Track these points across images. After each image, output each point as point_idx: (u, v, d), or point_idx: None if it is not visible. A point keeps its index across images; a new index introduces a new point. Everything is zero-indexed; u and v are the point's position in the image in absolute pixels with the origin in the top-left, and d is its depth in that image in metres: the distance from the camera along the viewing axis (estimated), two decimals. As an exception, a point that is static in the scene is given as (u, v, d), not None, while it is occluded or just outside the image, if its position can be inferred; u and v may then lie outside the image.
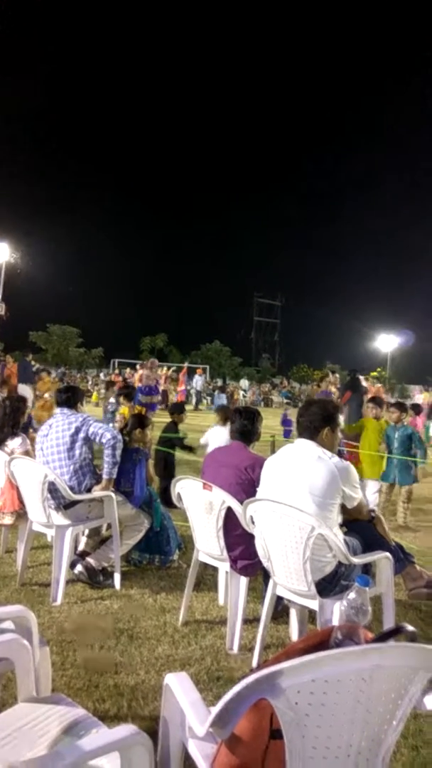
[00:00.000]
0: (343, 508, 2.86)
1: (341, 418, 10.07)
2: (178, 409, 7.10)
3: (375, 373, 42.84)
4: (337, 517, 2.79)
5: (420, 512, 6.68)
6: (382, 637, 1.46)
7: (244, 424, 3.46)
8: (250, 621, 3.37)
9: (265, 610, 2.96)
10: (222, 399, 13.58)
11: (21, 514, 4.07)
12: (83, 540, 4.30)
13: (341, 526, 2.87)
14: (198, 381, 22.27)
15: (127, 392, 8.39)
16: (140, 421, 4.47)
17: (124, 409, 8.21)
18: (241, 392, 31.02)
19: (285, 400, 32.34)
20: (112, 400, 9.30)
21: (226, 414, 6.67)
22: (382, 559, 2.96)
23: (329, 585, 2.70)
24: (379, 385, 16.15)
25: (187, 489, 3.31)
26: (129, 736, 1.40)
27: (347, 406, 9.76)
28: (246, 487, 3.22)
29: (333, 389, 10.74)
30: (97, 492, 3.94)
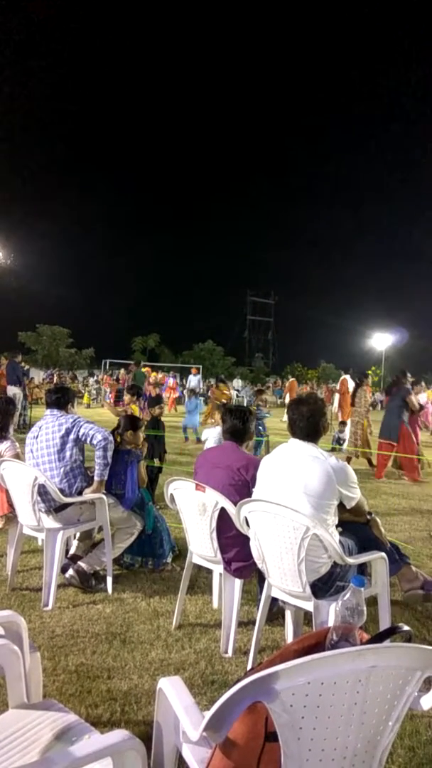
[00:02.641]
0: (343, 508, 2.84)
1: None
2: (153, 403, 6.94)
3: (369, 372, 42.99)
4: (333, 518, 2.77)
5: (416, 512, 6.69)
6: (378, 637, 1.44)
7: (236, 424, 3.44)
8: (245, 624, 3.34)
9: (260, 612, 2.94)
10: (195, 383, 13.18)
11: (11, 517, 4.03)
12: (74, 543, 4.26)
13: (336, 526, 2.85)
14: (192, 380, 21.83)
15: (135, 391, 8.23)
16: (132, 423, 4.44)
17: (134, 407, 8.04)
18: (234, 392, 30.93)
19: (278, 399, 32.35)
20: None
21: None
22: (378, 559, 2.95)
23: (324, 586, 2.69)
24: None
25: (180, 490, 3.28)
26: (121, 741, 1.37)
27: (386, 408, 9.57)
28: (239, 488, 3.20)
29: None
30: (88, 494, 3.90)
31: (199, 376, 23.69)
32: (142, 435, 4.52)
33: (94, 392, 27.54)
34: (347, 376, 15.78)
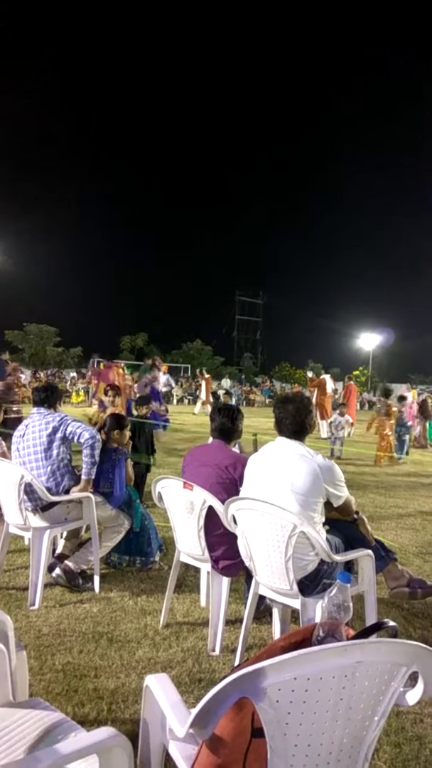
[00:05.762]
0: (330, 507, 2.85)
1: None
2: (141, 402, 6.85)
3: (357, 372, 43.31)
4: (320, 516, 2.78)
5: (403, 511, 6.74)
6: (364, 633, 1.45)
7: (224, 422, 3.43)
8: (233, 622, 3.35)
9: (248, 610, 2.94)
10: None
11: (-3, 516, 4.00)
12: (61, 542, 4.24)
13: (323, 524, 2.86)
14: (161, 379, 20.90)
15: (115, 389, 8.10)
16: (118, 422, 4.42)
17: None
18: (222, 391, 30.97)
19: (267, 399, 32.48)
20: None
21: None
22: (364, 557, 2.97)
23: (311, 583, 2.70)
24: (351, 382, 16.21)
25: (168, 489, 3.28)
26: (107, 738, 1.37)
27: None
28: (227, 486, 3.20)
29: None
30: (75, 493, 3.88)
31: (168, 375, 23.31)
32: (128, 434, 4.50)
33: (82, 391, 27.46)
34: (327, 376, 15.92)
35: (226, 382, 34.26)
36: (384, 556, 3.21)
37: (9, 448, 4.13)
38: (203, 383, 23.56)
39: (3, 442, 4.24)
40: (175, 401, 29.13)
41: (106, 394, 7.32)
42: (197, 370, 29.48)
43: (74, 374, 33.17)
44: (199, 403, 22.99)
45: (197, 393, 23.41)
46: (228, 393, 13.54)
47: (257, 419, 15.38)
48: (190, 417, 20.36)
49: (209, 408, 22.15)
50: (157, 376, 11.87)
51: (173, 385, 21.73)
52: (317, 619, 1.50)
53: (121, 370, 13.63)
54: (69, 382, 31.32)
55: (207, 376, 23.95)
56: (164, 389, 20.79)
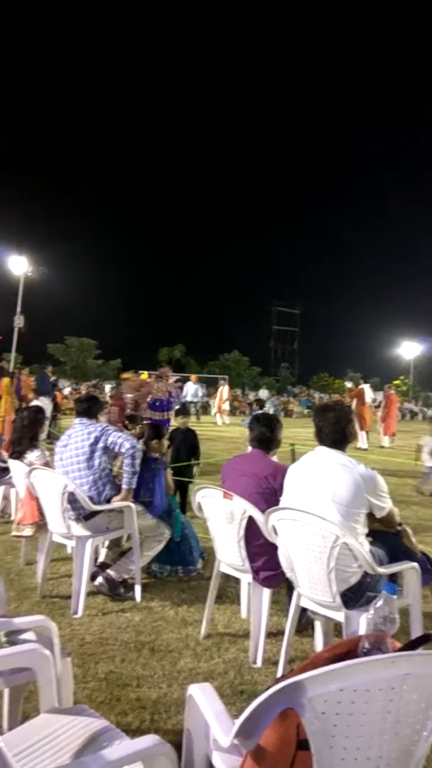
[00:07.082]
0: (373, 518, 2.80)
1: None
2: (178, 413, 6.77)
3: (398, 382, 42.55)
4: (363, 527, 2.74)
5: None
6: (411, 645, 1.42)
7: (263, 432, 3.43)
8: (274, 634, 3.31)
9: (290, 622, 2.91)
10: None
11: (41, 525, 4.08)
12: (103, 551, 4.29)
13: (366, 536, 2.81)
14: (190, 390, 20.64)
15: (131, 416, 8.23)
16: (156, 432, 4.47)
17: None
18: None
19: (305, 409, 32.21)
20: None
21: None
22: (409, 569, 2.90)
23: (355, 596, 2.65)
24: (392, 391, 15.89)
25: (208, 498, 3.28)
26: (153, 746, 1.37)
27: None
28: (267, 496, 3.18)
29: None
30: (116, 503, 3.93)
31: (198, 385, 23.09)
32: (166, 443, 4.55)
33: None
34: (366, 386, 15.67)
35: (263, 393, 34.13)
36: (430, 569, 3.13)
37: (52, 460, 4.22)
38: (225, 390, 23.47)
39: (46, 452, 4.34)
40: (212, 412, 29.17)
41: (126, 427, 7.32)
42: (219, 382, 29.62)
43: (109, 386, 33.76)
44: (217, 415, 23.00)
45: (217, 402, 23.52)
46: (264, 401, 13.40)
47: (295, 429, 15.25)
48: (226, 427, 20.40)
49: (226, 418, 22.16)
50: (153, 386, 11.02)
51: (200, 394, 21.84)
52: (361, 633, 1.47)
53: (144, 377, 13.42)
54: (108, 394, 31.72)
55: (225, 385, 23.96)
56: (193, 399, 20.95)
